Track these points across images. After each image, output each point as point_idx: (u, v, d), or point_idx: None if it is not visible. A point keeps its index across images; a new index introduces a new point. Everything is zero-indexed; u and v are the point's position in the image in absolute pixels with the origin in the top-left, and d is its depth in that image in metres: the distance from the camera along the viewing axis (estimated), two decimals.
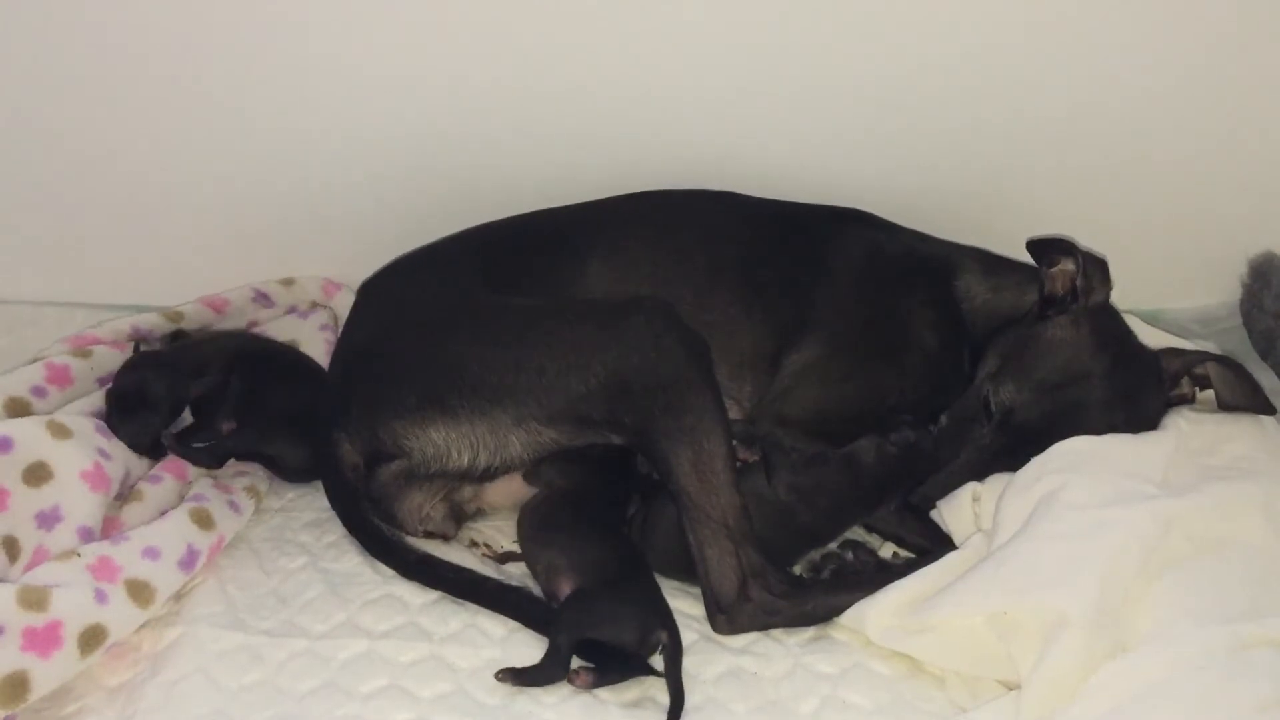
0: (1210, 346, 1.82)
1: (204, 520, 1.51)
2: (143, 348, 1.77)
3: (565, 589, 1.44)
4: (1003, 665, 1.37)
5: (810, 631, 1.47)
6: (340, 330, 1.87)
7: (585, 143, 1.91)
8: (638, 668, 1.37)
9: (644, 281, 1.72)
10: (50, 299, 2.05)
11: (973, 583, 1.40)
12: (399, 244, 1.82)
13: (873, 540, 1.65)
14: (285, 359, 1.83)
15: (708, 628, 1.47)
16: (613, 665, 1.37)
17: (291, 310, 2.04)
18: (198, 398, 1.70)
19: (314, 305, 2.06)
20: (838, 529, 1.60)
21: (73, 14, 1.73)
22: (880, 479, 1.57)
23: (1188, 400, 1.66)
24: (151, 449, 1.66)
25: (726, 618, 1.45)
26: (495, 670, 1.36)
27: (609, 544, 1.50)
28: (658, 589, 1.46)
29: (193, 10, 1.73)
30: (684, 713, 1.32)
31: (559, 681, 1.35)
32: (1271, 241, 2.06)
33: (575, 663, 1.36)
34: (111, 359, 1.73)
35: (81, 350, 1.73)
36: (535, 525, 1.55)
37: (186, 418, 1.73)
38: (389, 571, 1.51)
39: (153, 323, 1.84)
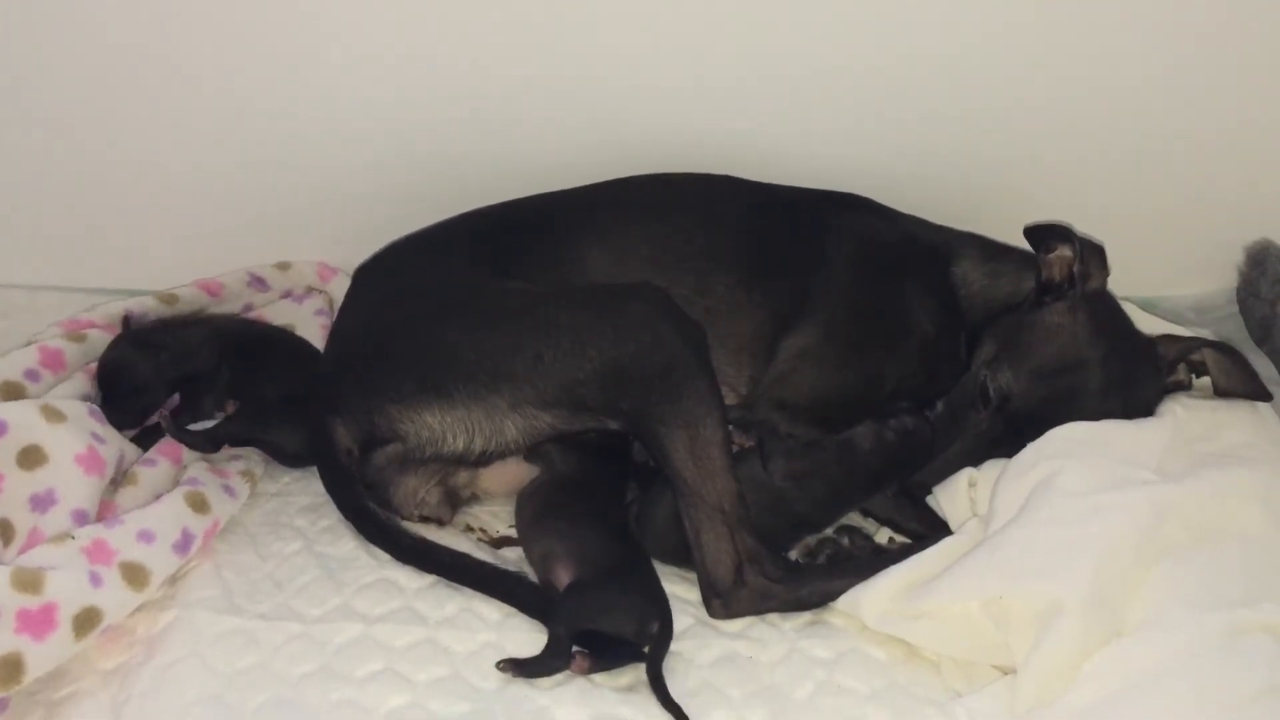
0: (1207, 334, 1.82)
1: (199, 504, 1.51)
2: (133, 324, 1.75)
3: (563, 577, 1.44)
4: (998, 651, 1.38)
5: (806, 616, 1.47)
6: (335, 315, 1.86)
7: (583, 127, 1.91)
8: (634, 655, 1.37)
9: (642, 266, 1.71)
10: (46, 283, 2.04)
11: (968, 568, 1.40)
12: (395, 228, 1.81)
13: (868, 525, 1.65)
14: (280, 343, 1.82)
15: (703, 612, 1.47)
16: (609, 652, 1.37)
17: (286, 295, 2.04)
18: (186, 381, 1.70)
19: (309, 290, 2.06)
20: (834, 515, 1.60)
21: (70, 3, 1.73)
22: (877, 465, 1.57)
23: (1184, 387, 1.66)
24: (141, 437, 1.66)
25: (722, 602, 1.45)
26: (491, 654, 1.37)
27: (607, 532, 1.50)
28: (656, 578, 1.46)
29: None
30: (678, 697, 1.32)
31: (560, 672, 1.35)
32: (1268, 229, 2.06)
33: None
34: (105, 343, 1.72)
35: (75, 334, 1.72)
36: (533, 512, 1.55)
37: (174, 399, 1.73)
38: (384, 556, 1.51)
39: (147, 306, 1.83)
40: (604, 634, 1.37)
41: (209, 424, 1.71)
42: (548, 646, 1.36)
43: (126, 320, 1.74)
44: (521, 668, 1.34)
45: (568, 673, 1.36)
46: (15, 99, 1.85)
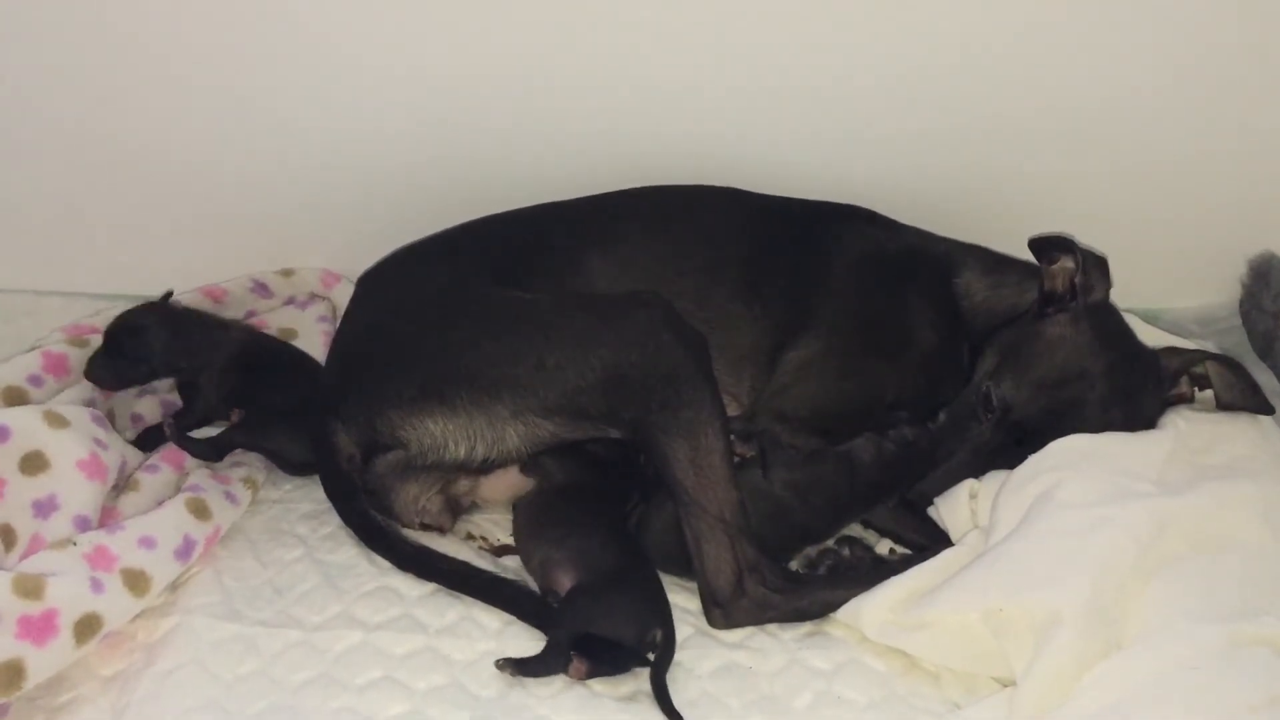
0: (1209, 346, 1.82)
1: (201, 511, 1.51)
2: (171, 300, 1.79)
3: (564, 583, 1.44)
4: (997, 662, 1.38)
5: (806, 627, 1.48)
6: (339, 321, 1.87)
7: (587, 137, 1.91)
8: (634, 659, 1.37)
9: (644, 276, 1.71)
10: (49, 288, 2.05)
11: (968, 580, 1.40)
12: (399, 236, 1.82)
13: (869, 536, 1.65)
14: (283, 355, 1.82)
15: (703, 622, 1.47)
16: (608, 658, 1.37)
17: (290, 301, 2.04)
18: (182, 375, 1.72)
19: (312, 296, 2.06)
20: (835, 526, 1.60)
21: (73, 5, 1.73)
22: (878, 477, 1.57)
23: (1186, 399, 1.66)
24: (142, 440, 1.67)
25: (722, 612, 1.45)
26: (490, 662, 1.37)
27: (609, 537, 1.50)
28: (659, 585, 1.46)
29: (192, 2, 1.73)
30: (678, 706, 1.32)
31: (558, 674, 1.36)
32: (1271, 241, 2.06)
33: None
34: None
35: (78, 339, 1.73)
36: (531, 520, 1.55)
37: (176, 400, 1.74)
38: (385, 563, 1.51)
39: None
40: (605, 641, 1.37)
41: (213, 432, 1.71)
42: (547, 647, 1.36)
43: (169, 294, 1.77)
44: (520, 667, 1.35)
45: (568, 681, 1.36)
46: (20, 104, 1.85)
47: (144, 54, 1.79)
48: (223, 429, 1.70)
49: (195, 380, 1.73)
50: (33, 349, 1.68)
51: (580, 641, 1.36)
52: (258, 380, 1.73)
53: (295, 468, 1.69)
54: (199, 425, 1.74)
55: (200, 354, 1.72)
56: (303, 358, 1.83)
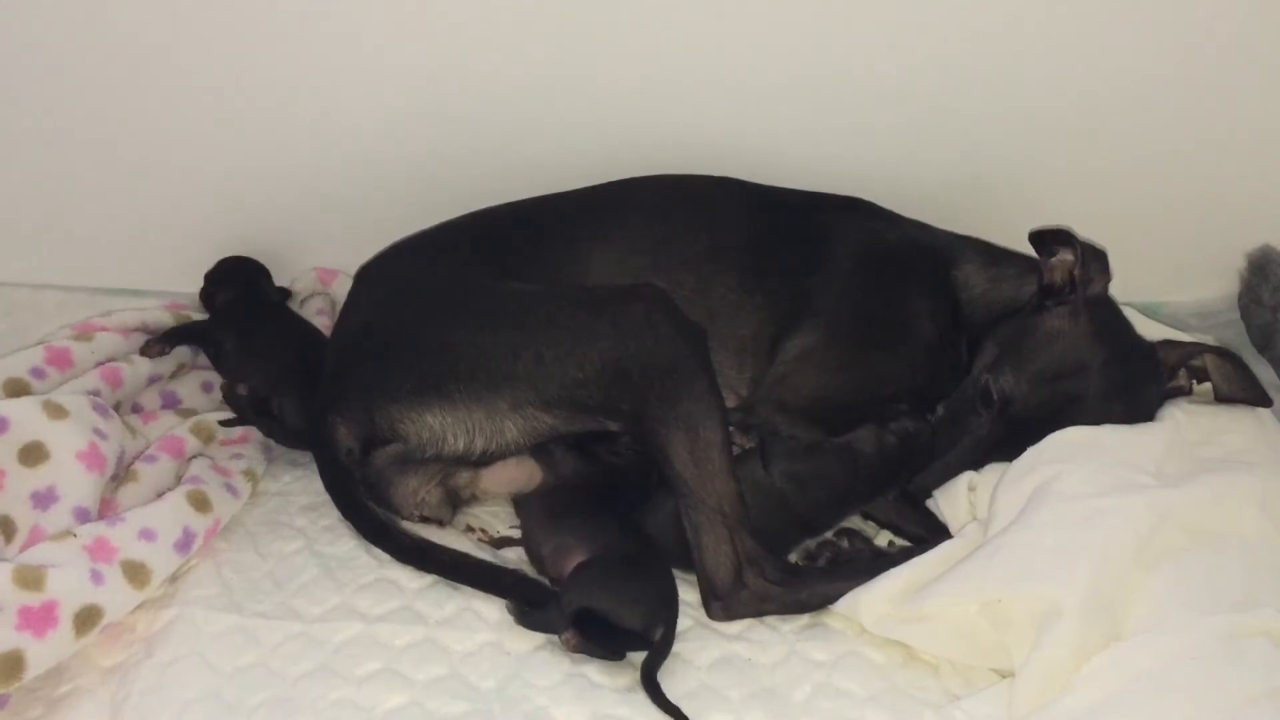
0: (1208, 339, 1.82)
1: (200, 503, 1.51)
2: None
3: (577, 560, 1.43)
4: (996, 654, 1.38)
5: (805, 619, 1.48)
6: (337, 315, 1.87)
7: (586, 128, 1.91)
8: (632, 646, 1.37)
9: (644, 267, 1.71)
10: (49, 282, 2.05)
11: (967, 571, 1.40)
12: (397, 229, 1.82)
13: (869, 528, 1.65)
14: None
15: (703, 614, 1.47)
16: (601, 641, 1.37)
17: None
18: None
19: (311, 293, 2.07)
20: (834, 518, 1.60)
21: (73, 5, 1.73)
22: (878, 468, 1.57)
23: (1185, 392, 1.66)
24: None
25: (722, 604, 1.45)
26: (490, 654, 1.38)
27: (626, 526, 1.50)
28: (673, 585, 1.45)
29: None
30: (676, 698, 1.32)
31: (552, 632, 1.38)
32: (1269, 235, 2.06)
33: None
34: (114, 344, 1.74)
35: (85, 335, 1.73)
36: (545, 511, 1.55)
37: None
38: (384, 555, 1.51)
39: (160, 319, 1.85)
40: (605, 627, 1.36)
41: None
42: (550, 606, 1.38)
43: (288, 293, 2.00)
44: (522, 615, 1.39)
45: (566, 672, 1.36)
46: (18, 99, 1.85)
47: (141, 49, 1.79)
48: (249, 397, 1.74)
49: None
50: (38, 344, 1.68)
51: (582, 620, 1.36)
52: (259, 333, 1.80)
53: (289, 436, 1.70)
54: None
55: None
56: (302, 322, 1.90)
